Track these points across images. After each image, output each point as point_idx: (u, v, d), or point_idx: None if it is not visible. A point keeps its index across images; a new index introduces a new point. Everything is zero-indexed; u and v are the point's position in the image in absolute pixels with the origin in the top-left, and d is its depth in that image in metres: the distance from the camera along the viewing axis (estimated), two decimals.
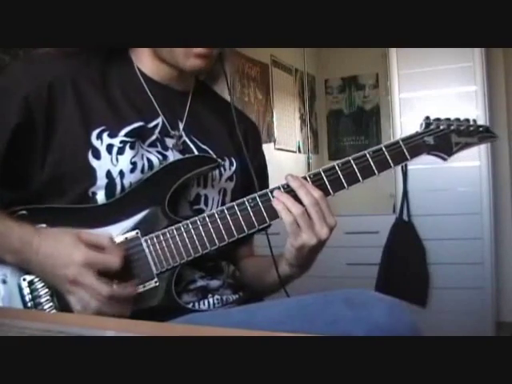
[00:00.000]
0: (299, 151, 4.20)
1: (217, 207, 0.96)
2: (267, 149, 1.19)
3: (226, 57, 1.02)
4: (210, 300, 0.91)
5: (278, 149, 3.78)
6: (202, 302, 0.90)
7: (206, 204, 0.96)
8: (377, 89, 4.35)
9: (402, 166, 2.81)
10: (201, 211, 0.94)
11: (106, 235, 0.83)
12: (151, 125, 0.93)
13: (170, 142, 0.95)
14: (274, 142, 3.75)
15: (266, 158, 1.17)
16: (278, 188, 0.88)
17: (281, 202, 0.86)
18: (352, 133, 4.49)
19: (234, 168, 1.01)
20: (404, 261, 2.78)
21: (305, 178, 0.89)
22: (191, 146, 0.97)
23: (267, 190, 0.88)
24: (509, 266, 3.08)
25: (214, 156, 0.97)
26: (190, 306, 0.88)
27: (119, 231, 0.85)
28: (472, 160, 2.68)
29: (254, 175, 0.98)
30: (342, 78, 4.49)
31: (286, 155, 3.92)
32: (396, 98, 2.86)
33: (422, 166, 2.63)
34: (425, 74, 2.79)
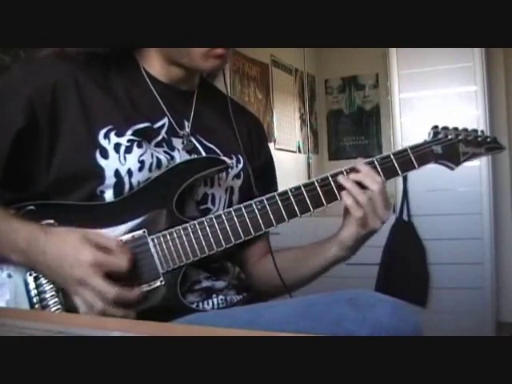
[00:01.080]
0: (299, 151, 4.20)
1: (224, 206, 0.97)
2: None
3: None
4: (215, 300, 0.91)
5: (278, 149, 3.78)
6: (206, 302, 0.90)
7: (213, 203, 0.96)
8: (377, 89, 4.35)
9: None
10: (208, 210, 0.94)
11: (114, 237, 0.83)
12: (157, 125, 0.93)
13: (176, 141, 0.95)
14: (274, 141, 3.74)
15: None
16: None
17: (350, 196, 0.89)
18: (352, 133, 4.49)
19: (240, 166, 1.02)
20: (404, 261, 2.78)
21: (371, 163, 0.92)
22: (198, 145, 0.97)
23: (275, 194, 0.89)
24: (509, 266, 3.07)
25: (221, 155, 0.98)
26: (194, 305, 0.89)
27: (126, 229, 0.85)
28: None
29: (251, 174, 0.99)
30: (342, 78, 4.49)
31: (286, 155, 3.92)
32: (396, 98, 2.85)
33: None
34: (425, 74, 2.78)
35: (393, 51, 2.85)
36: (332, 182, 0.91)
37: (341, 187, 0.91)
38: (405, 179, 2.80)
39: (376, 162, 0.92)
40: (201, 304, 0.90)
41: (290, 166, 3.92)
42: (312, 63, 4.44)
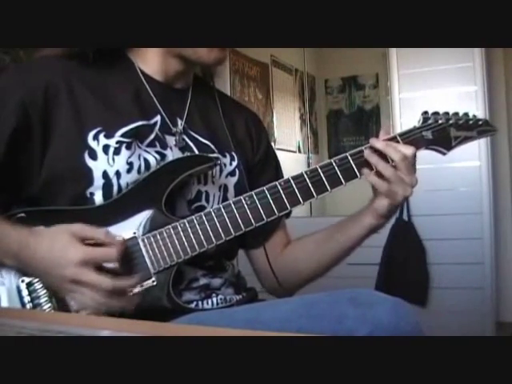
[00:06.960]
0: (299, 151, 4.20)
1: (218, 203, 0.97)
2: None
3: None
4: (214, 299, 0.91)
5: (278, 149, 3.78)
6: (205, 302, 0.91)
7: (207, 201, 0.96)
8: (377, 89, 4.35)
9: None
10: (202, 208, 0.94)
11: (102, 229, 0.82)
12: (150, 122, 0.93)
13: (170, 139, 0.95)
14: (274, 141, 3.74)
15: None
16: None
17: (371, 173, 0.89)
18: (352, 133, 4.48)
19: (235, 163, 1.01)
20: (404, 261, 2.78)
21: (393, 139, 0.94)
22: (190, 143, 0.97)
23: (264, 188, 0.89)
24: (509, 266, 3.07)
25: (216, 151, 0.97)
26: (194, 305, 0.89)
27: (117, 232, 0.85)
28: (472, 160, 2.67)
29: (243, 171, 1.00)
30: (342, 78, 4.49)
31: (286, 155, 3.92)
32: (396, 98, 2.85)
33: (422, 165, 2.61)
34: (425, 74, 2.78)
35: (393, 51, 2.85)
36: (321, 173, 0.90)
37: (328, 177, 0.90)
38: None
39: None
40: (200, 303, 0.90)
41: (290, 165, 3.91)
42: (312, 63, 4.43)
